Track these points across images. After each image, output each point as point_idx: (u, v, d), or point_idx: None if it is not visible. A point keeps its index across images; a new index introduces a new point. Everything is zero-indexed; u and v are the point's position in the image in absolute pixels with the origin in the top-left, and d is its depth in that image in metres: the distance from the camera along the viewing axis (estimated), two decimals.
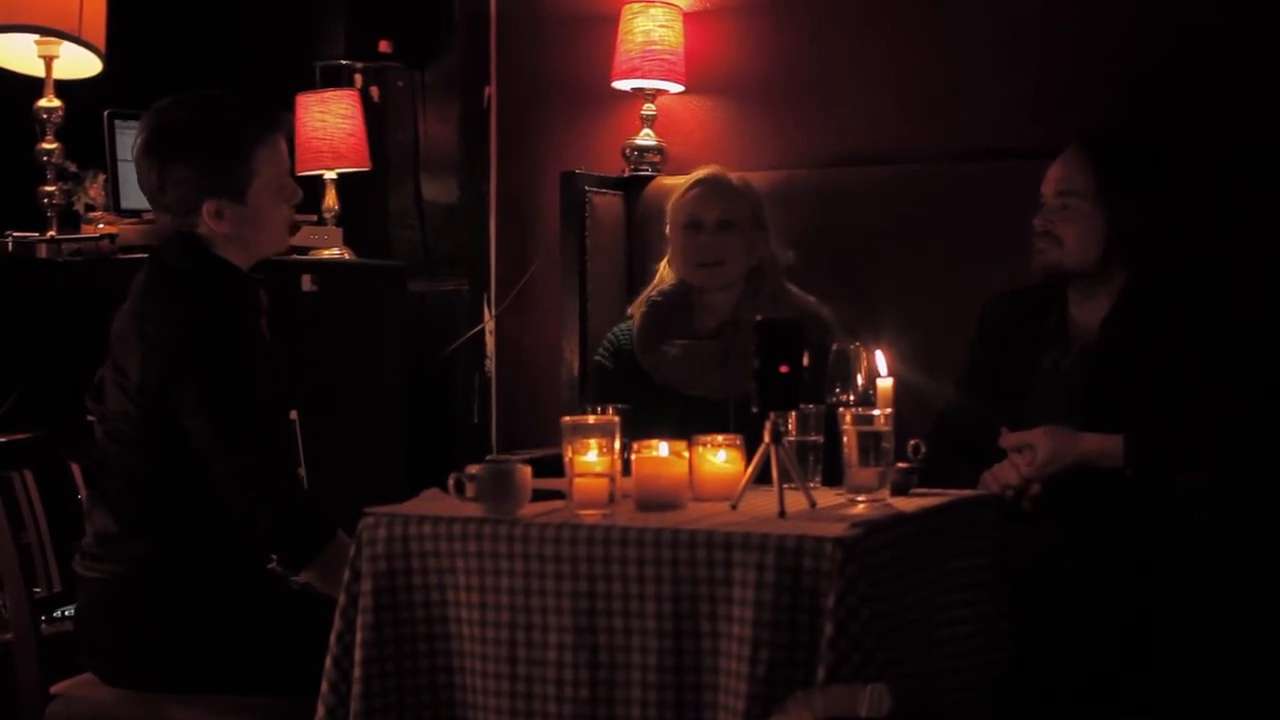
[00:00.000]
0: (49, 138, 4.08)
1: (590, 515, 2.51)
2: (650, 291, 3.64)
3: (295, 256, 4.38)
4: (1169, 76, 3.64)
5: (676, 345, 3.53)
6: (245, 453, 2.81)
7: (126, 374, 2.87)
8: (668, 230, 3.60)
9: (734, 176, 3.62)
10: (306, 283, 4.33)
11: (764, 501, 2.51)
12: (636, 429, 2.62)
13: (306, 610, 2.90)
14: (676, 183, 4.05)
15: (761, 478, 2.55)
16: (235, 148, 2.92)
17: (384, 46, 4.99)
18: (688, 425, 2.69)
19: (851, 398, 2.71)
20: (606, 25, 4.21)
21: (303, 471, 3.91)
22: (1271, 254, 3.39)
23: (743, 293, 3.52)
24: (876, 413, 2.59)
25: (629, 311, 3.68)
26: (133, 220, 4.10)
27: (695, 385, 3.45)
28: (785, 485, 2.50)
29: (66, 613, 3.06)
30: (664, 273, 3.65)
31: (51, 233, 4.00)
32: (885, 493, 2.58)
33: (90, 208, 4.21)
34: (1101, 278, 3.14)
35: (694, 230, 3.54)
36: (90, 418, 2.95)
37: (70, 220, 4.04)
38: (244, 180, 2.93)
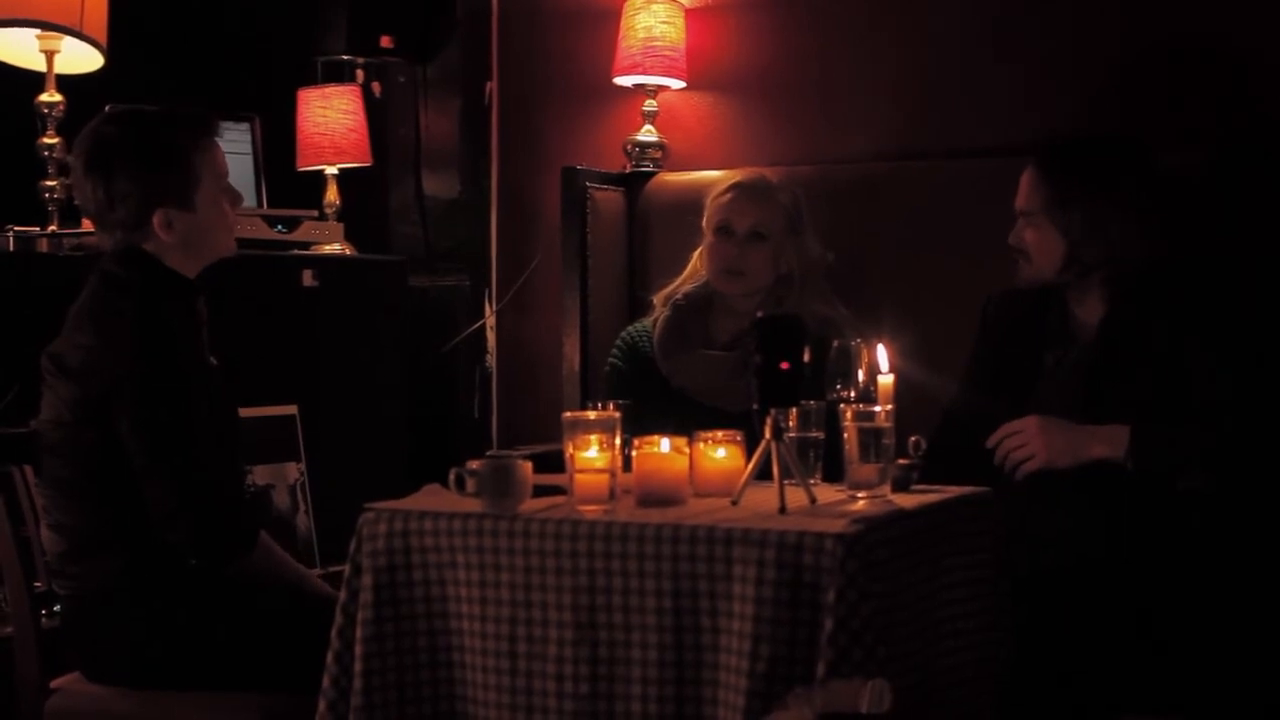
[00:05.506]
0: (50, 132, 4.07)
1: (591, 511, 2.51)
2: (676, 290, 3.61)
3: (296, 251, 4.39)
4: (1166, 75, 3.64)
5: (696, 355, 3.52)
6: (173, 477, 2.81)
7: (67, 387, 2.87)
8: (704, 224, 3.59)
9: (773, 179, 3.58)
10: (307, 278, 4.32)
11: (765, 497, 2.51)
12: (649, 432, 2.62)
13: (289, 608, 2.92)
14: (680, 179, 4.07)
15: (762, 474, 2.55)
16: (174, 154, 2.95)
17: (386, 42, 4.99)
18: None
19: (852, 394, 2.71)
20: (608, 21, 4.21)
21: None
22: (1270, 254, 3.38)
23: (766, 300, 3.49)
24: (877, 409, 2.60)
25: (652, 300, 3.66)
26: None
27: (713, 396, 3.43)
28: (786, 481, 2.50)
29: None
30: (696, 264, 3.62)
31: (53, 227, 3.99)
32: (886, 489, 2.58)
33: None
34: (1085, 284, 3.15)
35: (724, 235, 3.52)
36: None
37: (71, 215, 4.03)
38: (188, 186, 2.95)
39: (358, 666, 2.55)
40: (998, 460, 3.04)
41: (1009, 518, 2.73)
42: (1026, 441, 3.02)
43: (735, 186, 3.56)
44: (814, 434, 2.71)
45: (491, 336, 4.57)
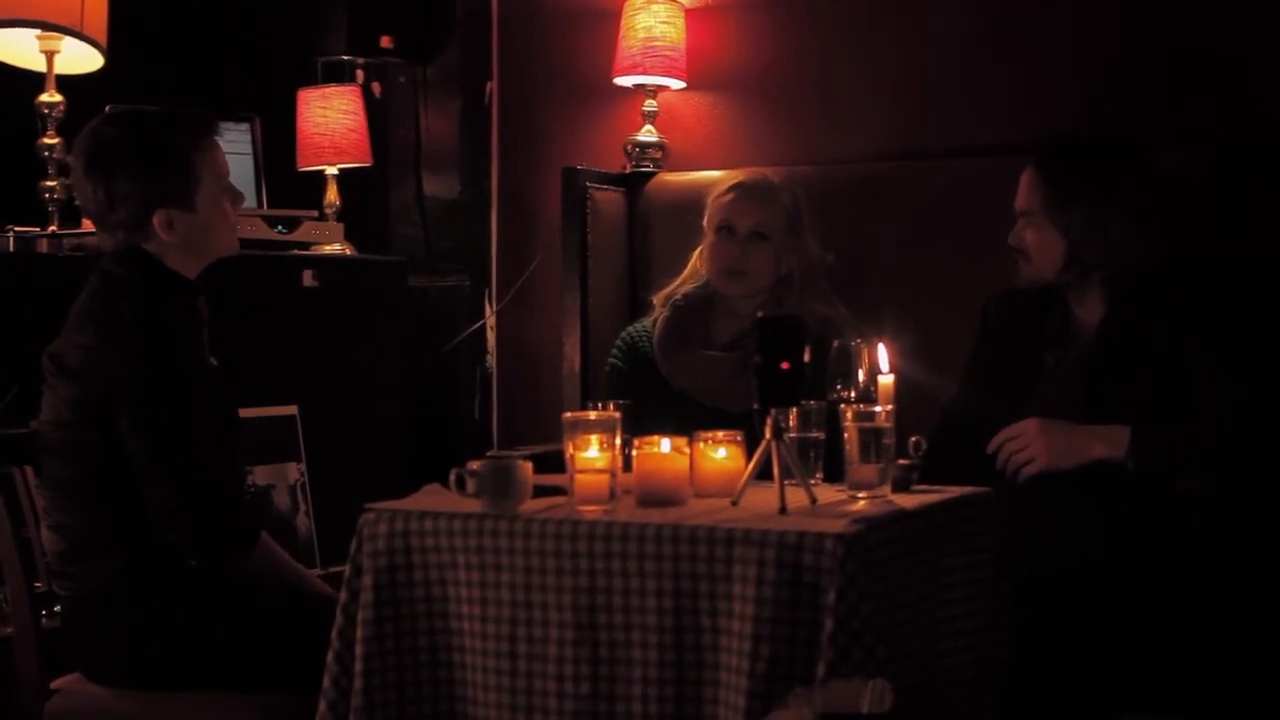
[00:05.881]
0: (50, 133, 4.07)
1: (591, 511, 2.51)
2: (675, 290, 3.61)
3: (296, 252, 4.39)
4: (1166, 75, 3.64)
5: (696, 356, 3.52)
6: (173, 477, 2.81)
7: (67, 387, 2.87)
8: (704, 223, 3.58)
9: (775, 180, 3.58)
10: (307, 278, 4.33)
11: (765, 498, 2.51)
12: (650, 433, 2.62)
13: (289, 608, 2.92)
14: (680, 179, 4.07)
15: (763, 474, 2.55)
16: (175, 155, 2.95)
17: (386, 42, 4.99)
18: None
19: (853, 394, 2.71)
20: (608, 21, 4.21)
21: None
22: (1270, 254, 3.38)
23: (766, 300, 3.49)
24: (878, 409, 2.60)
25: (652, 300, 3.66)
26: None
27: (714, 397, 3.43)
28: (786, 481, 2.50)
29: None
30: (696, 264, 3.62)
31: (53, 228, 3.99)
32: (886, 489, 2.58)
33: None
34: (1085, 285, 3.16)
35: (725, 235, 3.52)
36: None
37: (71, 215, 4.03)
38: (189, 186, 2.95)
39: (358, 667, 2.55)
40: (999, 465, 3.04)
41: (1010, 521, 2.73)
42: (1027, 445, 3.02)
43: (737, 187, 3.55)
44: (814, 434, 2.71)
45: (492, 337, 4.57)
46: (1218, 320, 3.08)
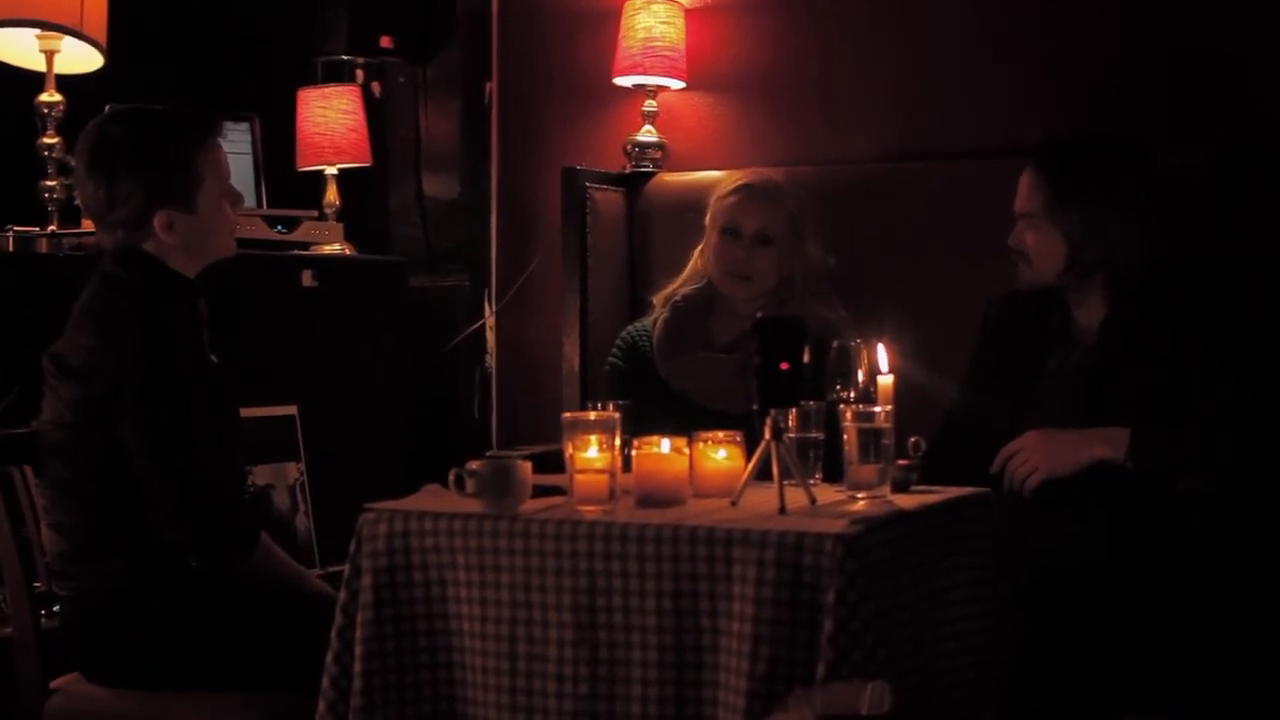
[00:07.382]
0: (50, 132, 4.07)
1: (591, 511, 2.51)
2: (675, 291, 3.60)
3: (296, 252, 4.39)
4: (1166, 75, 3.64)
5: (697, 358, 3.51)
6: (174, 478, 2.81)
7: (68, 387, 2.87)
8: (706, 223, 3.57)
9: (779, 181, 3.57)
10: (307, 278, 4.33)
11: (764, 498, 2.51)
12: (650, 433, 2.61)
13: (289, 608, 2.91)
14: (680, 179, 4.07)
15: (762, 474, 2.55)
16: (177, 156, 2.95)
17: (386, 42, 4.99)
18: None
19: (852, 394, 2.71)
20: (608, 21, 4.21)
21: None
22: (1270, 254, 3.38)
23: (768, 302, 3.47)
24: (877, 409, 2.60)
25: (652, 300, 3.65)
26: None
27: (714, 399, 3.42)
28: (786, 482, 2.50)
29: None
30: (697, 263, 3.61)
31: (52, 228, 3.99)
32: (886, 490, 2.58)
33: None
34: (1085, 286, 3.15)
35: (730, 237, 3.51)
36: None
37: (71, 215, 4.03)
38: (191, 188, 2.95)
39: (358, 667, 2.55)
40: (1005, 484, 3.02)
41: (1013, 530, 2.72)
42: (1027, 458, 3.02)
43: (743, 188, 3.54)
44: (814, 434, 2.71)
45: (491, 337, 4.57)
46: (1218, 321, 3.08)
